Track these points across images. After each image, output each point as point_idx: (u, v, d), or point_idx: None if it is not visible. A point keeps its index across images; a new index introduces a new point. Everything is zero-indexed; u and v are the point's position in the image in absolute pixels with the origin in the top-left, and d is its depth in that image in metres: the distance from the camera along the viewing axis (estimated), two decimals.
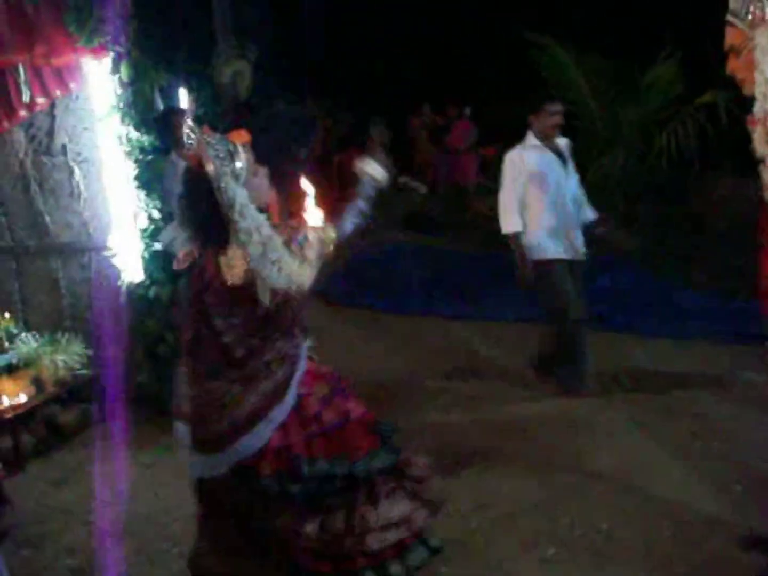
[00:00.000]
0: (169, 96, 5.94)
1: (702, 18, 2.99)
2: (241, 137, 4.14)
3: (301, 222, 2.90)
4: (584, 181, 5.16)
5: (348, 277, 7.88)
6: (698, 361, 5.49)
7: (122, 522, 3.82)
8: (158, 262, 5.04)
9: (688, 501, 3.63)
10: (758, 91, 2.73)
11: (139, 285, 5.09)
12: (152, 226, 5.01)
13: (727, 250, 7.57)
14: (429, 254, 9.28)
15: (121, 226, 5.08)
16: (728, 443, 4.18)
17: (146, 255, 5.05)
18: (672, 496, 3.70)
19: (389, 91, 13.92)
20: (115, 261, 5.13)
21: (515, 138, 5.01)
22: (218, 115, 7.99)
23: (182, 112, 5.16)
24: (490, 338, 6.40)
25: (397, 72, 14.61)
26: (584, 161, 8.82)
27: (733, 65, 2.86)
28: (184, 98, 6.42)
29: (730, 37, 2.82)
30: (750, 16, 2.72)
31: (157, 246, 5.00)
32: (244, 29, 10.75)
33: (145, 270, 5.08)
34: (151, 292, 5.06)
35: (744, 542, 3.24)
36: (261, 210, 2.79)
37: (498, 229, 4.93)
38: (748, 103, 2.84)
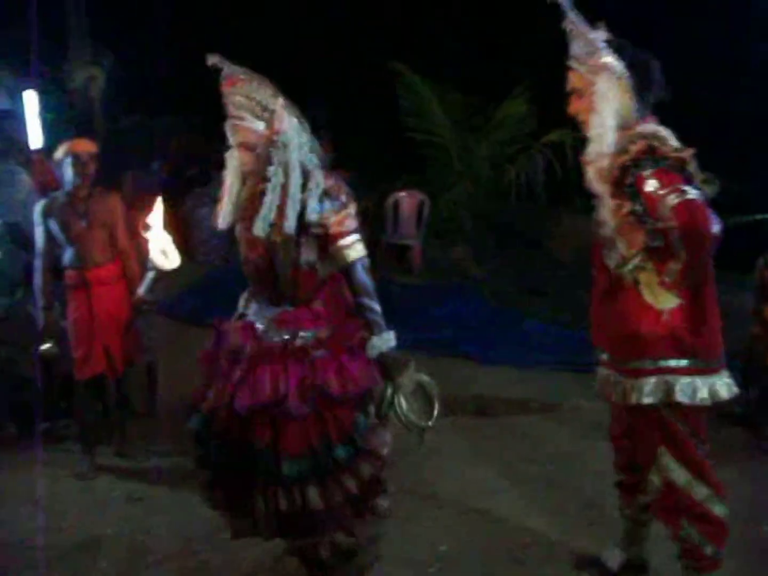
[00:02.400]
0: (14, 97, 5.64)
1: (555, 59, 3.10)
2: (85, 146, 3.99)
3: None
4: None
5: (195, 294, 7.70)
6: (538, 388, 5.70)
7: None
8: None
9: (526, 524, 3.72)
10: (594, 132, 2.85)
11: None
12: None
13: (570, 282, 7.93)
14: None
15: None
16: (563, 468, 4.34)
17: None
18: (510, 519, 3.78)
19: None
20: None
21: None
22: (69, 120, 7.65)
23: (15, 116, 4.88)
24: None
25: None
26: (436, 191, 9.07)
27: (575, 106, 2.96)
28: (31, 101, 6.11)
29: (573, 81, 2.94)
30: (591, 62, 2.85)
31: None
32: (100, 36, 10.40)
33: None
34: None
35: (578, 563, 3.35)
36: None
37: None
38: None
